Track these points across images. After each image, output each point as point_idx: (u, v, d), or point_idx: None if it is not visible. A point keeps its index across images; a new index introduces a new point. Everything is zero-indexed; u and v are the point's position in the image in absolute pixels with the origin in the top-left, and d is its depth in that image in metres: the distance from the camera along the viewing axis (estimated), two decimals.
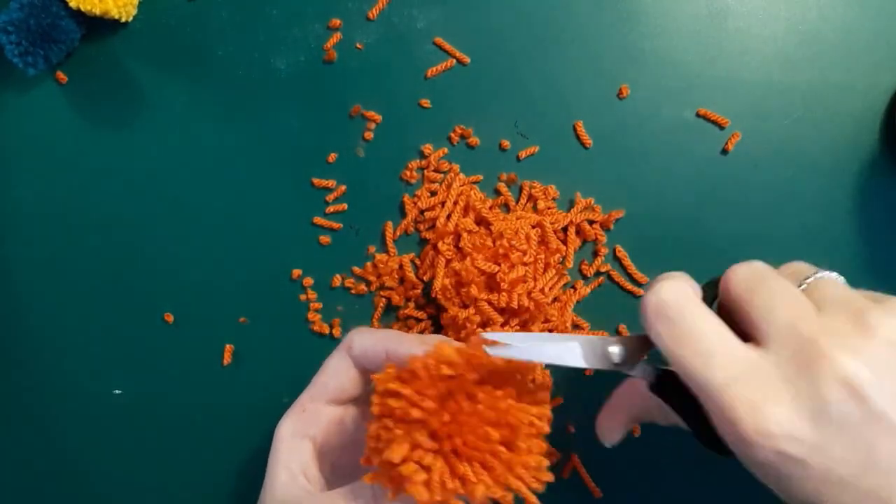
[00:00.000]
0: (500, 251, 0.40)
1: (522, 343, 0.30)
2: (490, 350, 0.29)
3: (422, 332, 0.44)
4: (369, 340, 0.35)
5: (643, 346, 0.31)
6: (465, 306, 0.41)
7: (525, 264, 0.40)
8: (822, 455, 0.26)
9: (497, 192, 0.44)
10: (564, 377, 0.43)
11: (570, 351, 0.30)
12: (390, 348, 0.34)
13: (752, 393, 0.26)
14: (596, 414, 0.36)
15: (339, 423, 0.36)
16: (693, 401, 0.29)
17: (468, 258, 0.40)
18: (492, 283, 0.40)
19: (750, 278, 0.30)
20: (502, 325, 0.40)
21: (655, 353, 0.30)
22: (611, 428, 0.36)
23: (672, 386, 0.31)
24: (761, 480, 0.28)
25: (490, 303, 0.39)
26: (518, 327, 0.41)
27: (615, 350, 0.31)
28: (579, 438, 0.43)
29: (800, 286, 0.30)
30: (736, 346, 0.28)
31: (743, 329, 0.29)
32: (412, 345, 0.33)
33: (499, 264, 0.40)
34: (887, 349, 0.26)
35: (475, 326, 0.40)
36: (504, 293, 0.39)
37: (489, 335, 0.30)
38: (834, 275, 0.31)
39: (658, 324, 0.29)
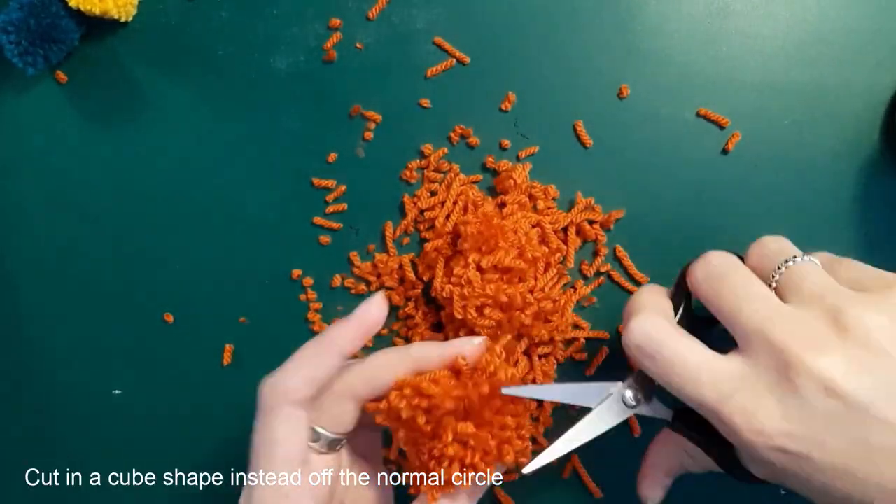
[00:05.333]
0: (500, 253, 0.40)
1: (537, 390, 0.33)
2: (506, 390, 0.32)
3: (420, 335, 0.44)
4: (308, 367, 0.33)
5: (648, 379, 0.33)
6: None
7: (525, 262, 0.40)
8: (822, 449, 0.27)
9: (497, 193, 0.44)
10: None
11: (591, 415, 0.33)
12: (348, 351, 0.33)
13: (744, 403, 0.28)
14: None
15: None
16: (708, 427, 0.31)
17: (462, 257, 0.40)
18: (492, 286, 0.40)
19: (710, 277, 0.31)
20: (500, 326, 0.40)
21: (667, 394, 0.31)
22: (651, 487, 0.36)
23: (686, 419, 0.32)
24: (787, 486, 0.29)
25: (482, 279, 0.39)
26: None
27: (629, 395, 0.33)
28: None
29: (773, 276, 0.31)
30: (717, 363, 0.29)
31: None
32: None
33: (497, 268, 0.40)
34: (863, 344, 0.27)
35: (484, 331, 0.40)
36: (502, 290, 0.39)
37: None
38: (808, 260, 0.31)
39: (644, 362, 0.31)
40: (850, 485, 0.27)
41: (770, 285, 0.31)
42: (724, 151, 0.44)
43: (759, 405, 0.27)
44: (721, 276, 0.31)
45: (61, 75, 0.45)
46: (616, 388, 0.33)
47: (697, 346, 0.30)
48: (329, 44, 0.44)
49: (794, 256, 0.31)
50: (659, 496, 0.37)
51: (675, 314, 0.33)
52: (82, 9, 0.41)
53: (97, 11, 0.42)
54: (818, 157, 0.43)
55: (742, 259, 0.33)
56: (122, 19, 0.43)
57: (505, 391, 0.32)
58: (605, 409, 0.33)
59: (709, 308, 0.31)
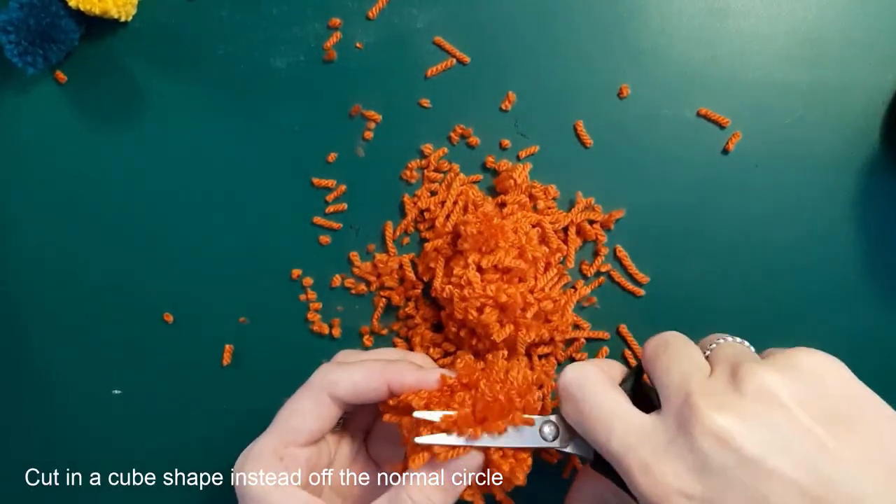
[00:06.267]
0: (500, 253, 0.40)
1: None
2: (420, 439, 0.32)
3: (420, 335, 0.44)
4: (359, 375, 0.34)
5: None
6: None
7: (525, 262, 0.40)
8: None
9: (497, 193, 0.44)
10: None
11: (506, 435, 0.33)
12: (393, 381, 0.34)
13: (644, 456, 0.28)
14: None
15: (317, 458, 0.36)
16: None
17: (462, 257, 0.40)
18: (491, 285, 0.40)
19: (657, 346, 0.33)
20: (502, 325, 0.40)
21: None
22: None
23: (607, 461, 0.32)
24: None
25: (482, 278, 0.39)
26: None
27: (547, 430, 0.34)
28: None
29: (706, 353, 0.32)
30: (632, 416, 0.30)
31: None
32: (412, 372, 0.34)
33: (497, 268, 0.40)
34: (754, 400, 0.28)
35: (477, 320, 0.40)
36: (503, 290, 0.39)
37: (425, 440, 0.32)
38: (738, 339, 0.33)
39: (564, 404, 0.32)
40: None
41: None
42: (725, 151, 0.44)
43: (657, 459, 0.28)
44: (666, 344, 0.32)
45: (61, 75, 0.45)
46: (540, 419, 0.34)
47: (620, 398, 0.31)
48: (329, 44, 0.44)
49: (720, 339, 0.33)
50: None
51: (625, 383, 0.34)
52: (82, 8, 0.41)
53: (97, 11, 0.42)
54: (818, 157, 0.43)
55: None
56: (122, 19, 0.43)
57: (419, 440, 0.32)
58: (517, 431, 0.33)
59: (649, 375, 0.32)
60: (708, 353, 0.32)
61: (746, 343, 0.33)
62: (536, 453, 0.42)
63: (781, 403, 0.27)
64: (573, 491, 0.38)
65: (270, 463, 0.33)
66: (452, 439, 0.32)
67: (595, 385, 0.31)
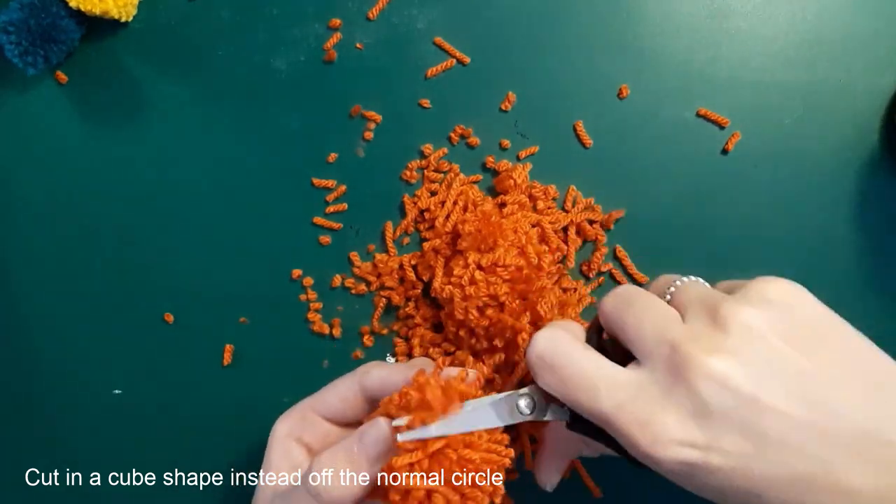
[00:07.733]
0: (499, 251, 0.40)
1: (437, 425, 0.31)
2: (401, 437, 0.30)
3: (420, 335, 0.44)
4: (386, 371, 0.36)
5: (546, 393, 0.32)
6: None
7: (528, 263, 0.40)
8: (720, 453, 0.27)
9: (496, 193, 0.44)
10: None
11: (481, 416, 0.32)
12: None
13: (639, 411, 0.28)
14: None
15: (336, 438, 0.37)
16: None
17: (462, 257, 0.40)
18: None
19: (618, 303, 0.32)
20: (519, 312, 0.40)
21: None
22: (548, 472, 0.38)
23: (585, 420, 0.32)
24: (689, 489, 0.30)
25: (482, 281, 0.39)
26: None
27: (523, 403, 0.32)
28: None
29: (666, 297, 0.32)
30: (616, 373, 0.30)
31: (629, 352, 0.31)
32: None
33: (496, 265, 0.40)
34: (742, 337, 0.28)
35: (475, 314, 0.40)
36: (500, 286, 0.39)
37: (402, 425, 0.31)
38: (692, 278, 0.33)
39: (542, 374, 0.31)
40: (746, 483, 0.27)
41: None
42: (724, 151, 0.44)
43: (653, 411, 0.28)
44: (627, 301, 0.32)
45: (61, 75, 0.45)
46: (513, 396, 0.33)
47: (597, 358, 0.31)
48: (329, 44, 0.44)
49: (678, 279, 0.33)
50: (557, 480, 0.38)
51: (590, 341, 0.33)
52: (82, 9, 0.41)
53: (97, 11, 0.42)
54: (818, 158, 0.43)
55: None
56: (122, 19, 0.43)
57: (401, 437, 0.30)
58: (490, 409, 0.32)
59: (616, 333, 0.32)
60: (668, 297, 0.32)
61: (700, 280, 0.33)
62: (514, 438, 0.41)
63: (763, 336, 0.28)
64: (549, 444, 0.38)
65: (293, 419, 0.36)
66: (426, 431, 0.30)
67: (570, 348, 0.31)
